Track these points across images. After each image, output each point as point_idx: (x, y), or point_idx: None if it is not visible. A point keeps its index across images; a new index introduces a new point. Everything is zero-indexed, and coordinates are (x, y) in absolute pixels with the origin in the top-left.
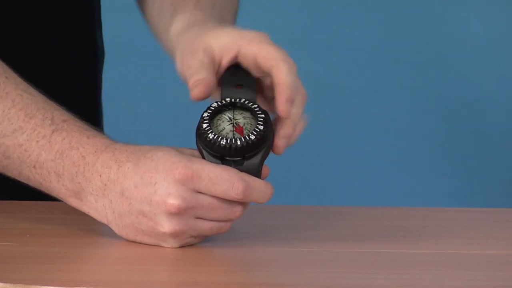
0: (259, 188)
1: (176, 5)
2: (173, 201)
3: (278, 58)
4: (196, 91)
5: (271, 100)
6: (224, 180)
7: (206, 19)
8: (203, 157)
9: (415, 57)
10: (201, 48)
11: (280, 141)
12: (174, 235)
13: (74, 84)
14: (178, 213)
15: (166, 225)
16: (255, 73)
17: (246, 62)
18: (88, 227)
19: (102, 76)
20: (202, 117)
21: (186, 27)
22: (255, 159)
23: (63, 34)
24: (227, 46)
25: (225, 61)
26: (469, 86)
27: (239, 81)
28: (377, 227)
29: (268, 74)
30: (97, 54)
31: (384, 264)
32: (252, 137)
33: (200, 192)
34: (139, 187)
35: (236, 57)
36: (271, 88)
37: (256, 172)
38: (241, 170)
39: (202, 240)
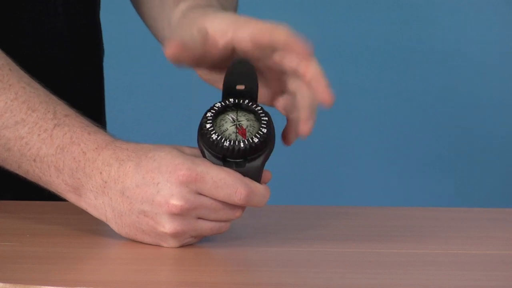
0: (260, 193)
1: None
2: (176, 202)
3: (273, 26)
4: (168, 48)
5: (274, 84)
6: (228, 185)
7: (210, 5)
8: (204, 156)
9: (416, 58)
10: (195, 28)
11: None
12: (175, 235)
13: (79, 83)
14: (180, 214)
15: (168, 226)
16: (256, 53)
17: (244, 45)
18: (88, 227)
19: (103, 74)
20: (205, 117)
21: (188, 9)
22: (257, 162)
23: (67, 32)
24: (223, 31)
25: (221, 44)
26: (468, 87)
27: (241, 81)
28: (377, 227)
29: (268, 46)
30: (100, 52)
31: (384, 264)
32: (256, 140)
33: (202, 194)
34: (140, 187)
35: (231, 41)
36: (276, 64)
37: (257, 174)
38: (243, 172)
39: (201, 239)
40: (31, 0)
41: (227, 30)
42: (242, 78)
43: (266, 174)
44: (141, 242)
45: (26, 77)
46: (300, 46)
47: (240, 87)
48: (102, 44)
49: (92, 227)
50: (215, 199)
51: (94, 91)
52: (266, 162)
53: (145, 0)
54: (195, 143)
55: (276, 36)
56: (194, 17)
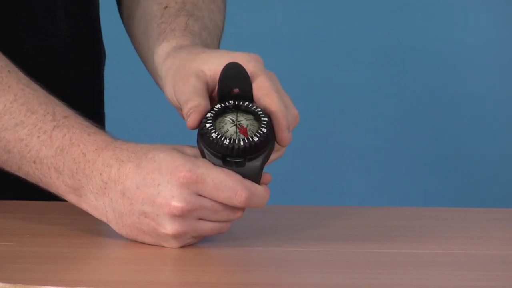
0: (260, 195)
1: (163, 29)
2: (177, 204)
3: (269, 87)
4: (191, 119)
5: None
6: (228, 187)
7: (193, 44)
8: (204, 157)
9: (416, 58)
10: (193, 74)
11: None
12: (176, 236)
13: (78, 83)
14: (181, 215)
15: (169, 227)
16: None
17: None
18: (88, 227)
19: (104, 76)
20: (205, 117)
21: (172, 50)
22: (256, 162)
23: (67, 32)
24: (220, 69)
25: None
26: (469, 87)
27: (235, 84)
28: (377, 227)
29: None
30: (99, 53)
31: (384, 264)
32: (255, 139)
33: (203, 196)
34: (141, 188)
35: None
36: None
37: (257, 175)
38: (242, 172)
39: (202, 239)
40: (31, 0)
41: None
42: (236, 81)
43: (266, 176)
44: (141, 242)
45: (25, 79)
46: (285, 129)
47: (235, 90)
48: (103, 45)
49: (92, 227)
50: (215, 201)
51: (93, 91)
52: (266, 163)
53: (132, 25)
54: (194, 143)
55: (268, 102)
56: (181, 61)
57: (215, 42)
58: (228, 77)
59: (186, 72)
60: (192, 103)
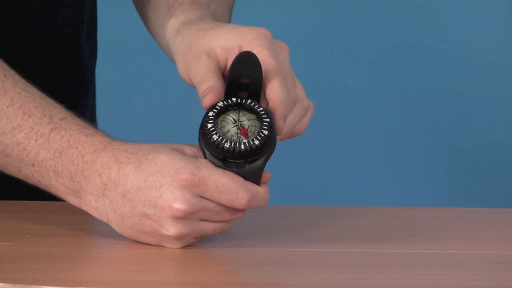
0: (261, 196)
1: (171, 4)
2: (179, 206)
3: (274, 71)
4: (207, 100)
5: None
6: (230, 189)
7: (202, 18)
8: (205, 156)
9: (416, 58)
10: (204, 53)
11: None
12: (179, 237)
13: (57, 83)
14: (183, 217)
15: (171, 229)
16: None
17: None
18: (88, 227)
19: (93, 75)
20: (207, 116)
21: (181, 26)
22: (257, 163)
23: (43, 30)
24: (229, 47)
25: (230, 62)
26: (469, 87)
27: (246, 72)
28: (377, 227)
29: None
30: (81, 52)
31: (384, 264)
32: (256, 142)
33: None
34: (142, 190)
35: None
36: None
37: (257, 176)
38: (243, 173)
39: (202, 238)
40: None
41: (234, 47)
42: (247, 70)
43: (265, 175)
44: (142, 243)
45: (21, 82)
46: (280, 118)
47: (245, 79)
48: (91, 44)
49: (92, 227)
50: (217, 203)
51: (81, 92)
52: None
53: (142, 3)
54: (194, 143)
55: (269, 88)
56: (192, 38)
57: (225, 13)
58: (240, 65)
59: (197, 51)
60: (207, 84)
